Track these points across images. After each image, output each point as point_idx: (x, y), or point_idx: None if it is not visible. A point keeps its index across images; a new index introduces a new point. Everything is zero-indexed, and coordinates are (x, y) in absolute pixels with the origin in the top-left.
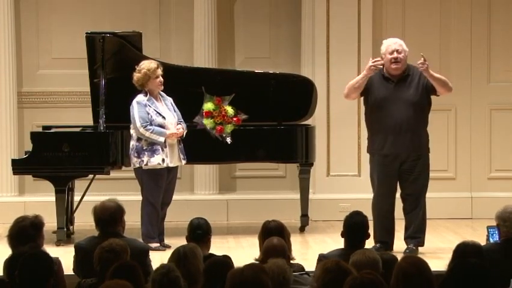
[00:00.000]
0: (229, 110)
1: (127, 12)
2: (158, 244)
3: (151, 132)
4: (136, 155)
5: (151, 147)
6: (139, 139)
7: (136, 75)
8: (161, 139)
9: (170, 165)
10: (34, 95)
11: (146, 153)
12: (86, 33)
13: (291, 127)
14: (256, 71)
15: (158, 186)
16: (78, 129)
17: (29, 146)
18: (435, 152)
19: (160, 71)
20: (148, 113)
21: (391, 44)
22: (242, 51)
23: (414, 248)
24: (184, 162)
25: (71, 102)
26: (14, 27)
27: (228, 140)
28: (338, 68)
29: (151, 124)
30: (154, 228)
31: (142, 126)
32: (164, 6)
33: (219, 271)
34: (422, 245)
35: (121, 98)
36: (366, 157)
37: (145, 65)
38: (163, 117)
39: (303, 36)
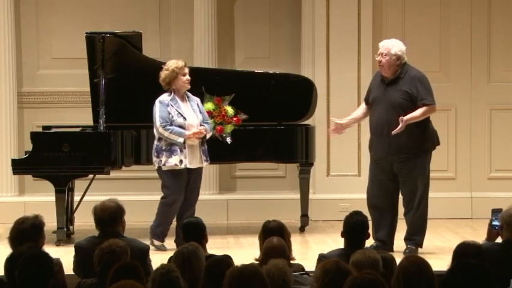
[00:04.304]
0: (229, 110)
1: (126, 13)
2: (162, 244)
3: (170, 132)
4: (156, 154)
5: (170, 147)
6: (159, 139)
7: (164, 73)
8: (180, 140)
9: (189, 166)
10: (34, 95)
11: (164, 153)
12: (86, 33)
13: (291, 127)
14: (256, 71)
15: (176, 187)
16: (78, 129)
17: (29, 146)
18: (435, 152)
19: (187, 70)
20: (169, 113)
21: (380, 46)
22: (242, 51)
23: (413, 248)
24: (206, 163)
25: (71, 102)
26: (14, 27)
27: (228, 140)
28: (338, 68)
29: (171, 124)
30: (164, 227)
31: (161, 125)
32: (164, 7)
33: (219, 271)
34: (420, 246)
35: (121, 98)
36: (366, 157)
37: (173, 63)
38: (184, 118)
39: (303, 36)
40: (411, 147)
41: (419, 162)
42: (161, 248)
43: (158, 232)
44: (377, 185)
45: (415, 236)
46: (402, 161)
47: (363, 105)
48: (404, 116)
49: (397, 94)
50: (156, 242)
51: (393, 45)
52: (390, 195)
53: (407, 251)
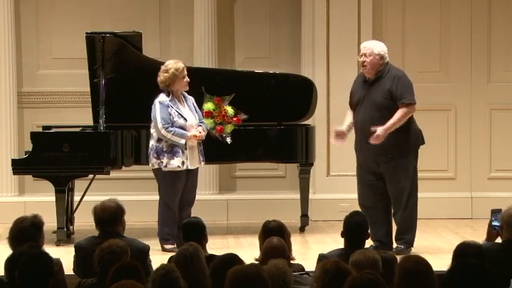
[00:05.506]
0: (229, 110)
1: (126, 13)
2: (174, 246)
3: (173, 134)
4: (155, 155)
5: (171, 149)
6: (159, 140)
7: (163, 75)
8: (182, 141)
9: (190, 167)
10: (34, 95)
11: (166, 155)
12: (86, 33)
13: (291, 127)
14: (256, 71)
15: (175, 189)
16: (78, 129)
17: (29, 146)
18: (435, 152)
19: (186, 71)
20: (170, 114)
21: (362, 47)
22: (242, 51)
23: (402, 247)
24: (203, 164)
25: (71, 102)
26: (14, 27)
27: (228, 140)
28: (338, 68)
29: (172, 125)
30: (170, 229)
31: (163, 127)
32: (164, 7)
33: (227, 269)
34: (411, 245)
35: (121, 98)
36: None
37: (172, 65)
38: (185, 119)
39: (303, 36)
40: (395, 147)
41: (404, 162)
42: (174, 250)
43: (166, 234)
44: (366, 186)
45: (404, 236)
46: (387, 162)
47: (349, 112)
48: (388, 115)
49: (379, 93)
50: (167, 246)
51: (375, 46)
52: (380, 195)
53: (394, 250)
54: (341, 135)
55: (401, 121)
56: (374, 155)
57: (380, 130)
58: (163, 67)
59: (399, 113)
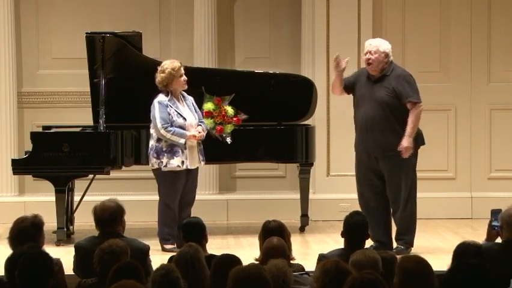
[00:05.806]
0: (229, 110)
1: (126, 13)
2: (174, 246)
3: (172, 134)
4: (155, 155)
5: (171, 148)
6: (159, 140)
7: (161, 76)
8: (182, 141)
9: (190, 167)
10: (34, 95)
11: (165, 154)
12: (86, 33)
13: (291, 127)
14: (256, 71)
15: (175, 189)
16: (78, 129)
17: (29, 146)
18: (435, 152)
19: (183, 70)
20: (169, 114)
21: (367, 45)
22: (242, 51)
23: (402, 247)
24: (203, 163)
25: (71, 102)
26: (14, 27)
27: (228, 140)
28: None
29: (171, 125)
30: (170, 229)
31: (162, 127)
32: (164, 7)
33: (227, 269)
34: (411, 245)
35: (121, 98)
36: None
37: (169, 65)
38: (184, 119)
39: (303, 36)
40: (395, 146)
41: (405, 162)
42: (174, 250)
43: (166, 234)
44: (366, 186)
45: (404, 236)
46: (388, 160)
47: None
48: (390, 113)
49: (383, 91)
50: (168, 246)
51: (381, 43)
52: (380, 194)
53: (394, 250)
54: (339, 64)
55: (417, 124)
56: (375, 152)
57: (405, 142)
58: (159, 68)
59: (412, 117)
